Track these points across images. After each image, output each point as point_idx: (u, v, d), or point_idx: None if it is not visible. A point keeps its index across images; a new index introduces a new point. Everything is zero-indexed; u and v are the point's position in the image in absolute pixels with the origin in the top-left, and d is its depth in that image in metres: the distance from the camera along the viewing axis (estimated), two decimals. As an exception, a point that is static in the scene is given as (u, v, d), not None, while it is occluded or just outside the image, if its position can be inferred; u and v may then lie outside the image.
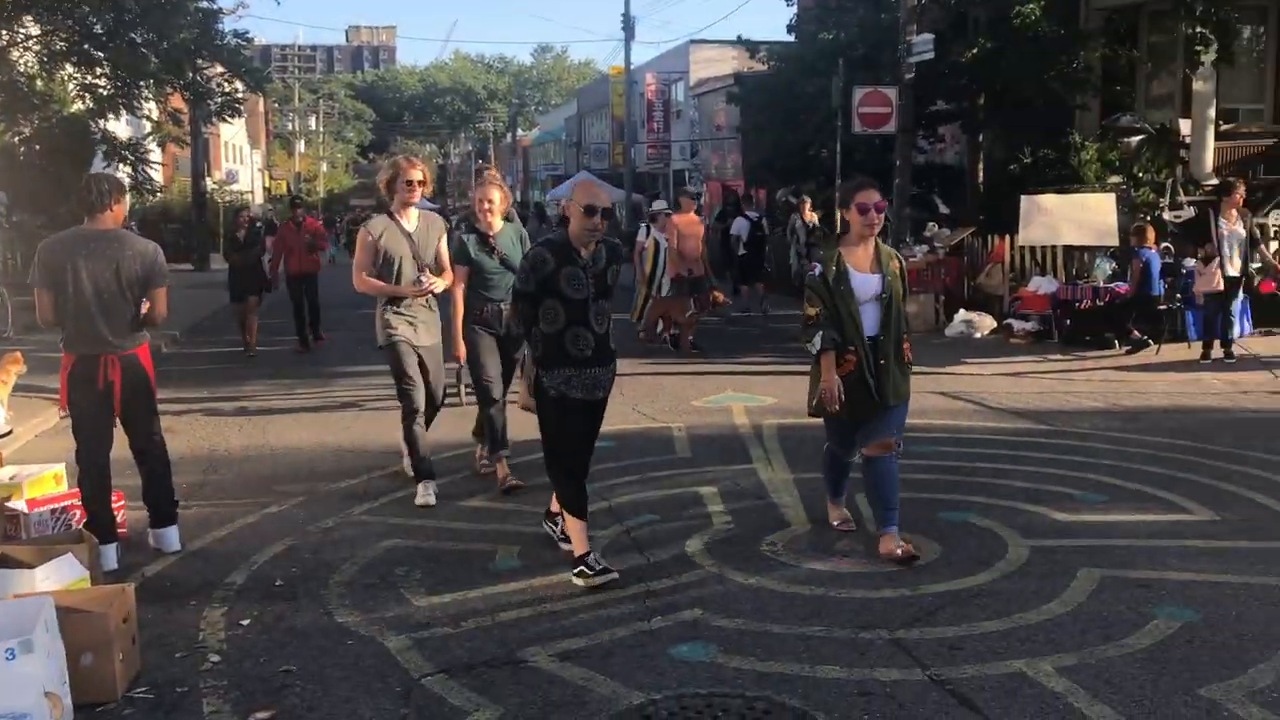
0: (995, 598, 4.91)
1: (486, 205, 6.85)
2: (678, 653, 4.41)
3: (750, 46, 24.31)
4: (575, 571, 5.21)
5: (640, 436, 8.56)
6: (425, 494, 6.64)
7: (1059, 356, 12.49)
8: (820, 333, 5.36)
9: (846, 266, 5.43)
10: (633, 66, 37.69)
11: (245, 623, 4.84)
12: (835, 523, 5.98)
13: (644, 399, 10.11)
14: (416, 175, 6.61)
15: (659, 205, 14.38)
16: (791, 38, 21.98)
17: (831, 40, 19.48)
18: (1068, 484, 6.84)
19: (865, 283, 5.44)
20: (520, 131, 75.26)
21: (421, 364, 6.69)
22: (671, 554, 5.63)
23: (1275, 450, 7.65)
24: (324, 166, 76.57)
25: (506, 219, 7.01)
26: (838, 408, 5.38)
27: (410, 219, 6.68)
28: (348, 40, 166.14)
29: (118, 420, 5.73)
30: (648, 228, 14.34)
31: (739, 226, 17.45)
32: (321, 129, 76.67)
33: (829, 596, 5.01)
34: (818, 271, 5.46)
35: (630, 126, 36.89)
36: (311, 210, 39.67)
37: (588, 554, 5.23)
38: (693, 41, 39.73)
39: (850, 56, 18.46)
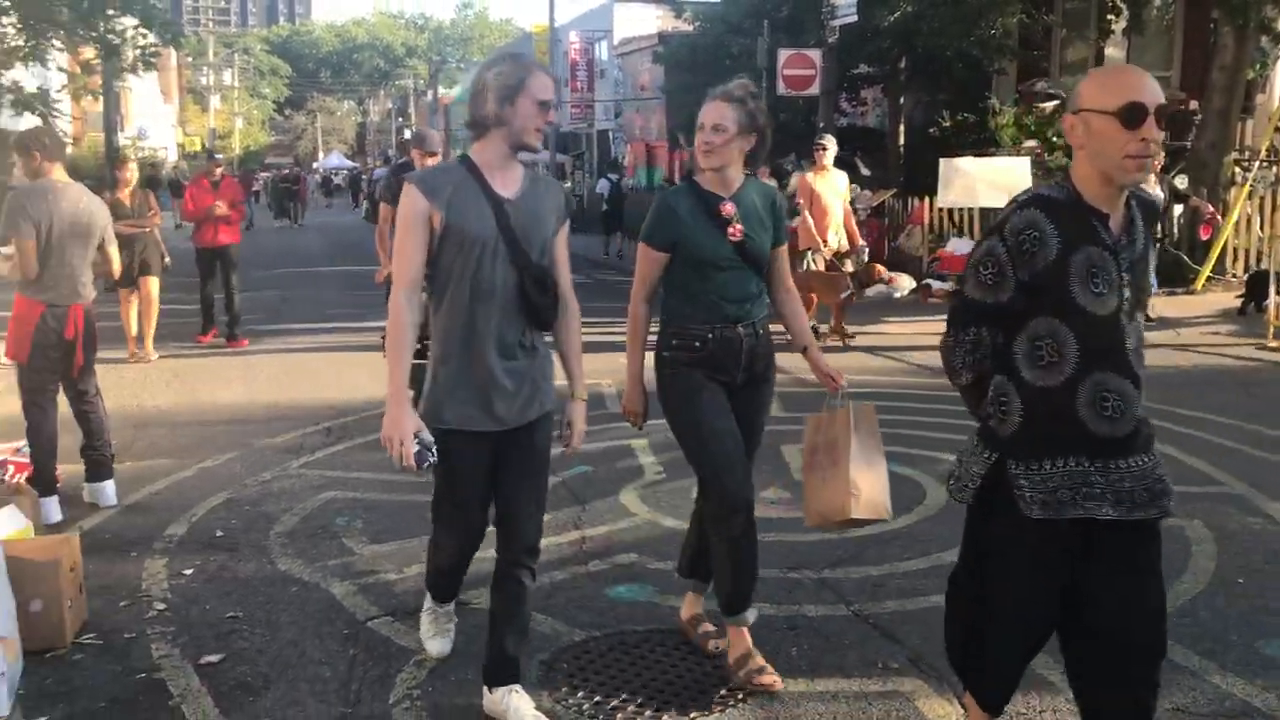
0: (916, 540, 5.16)
1: (718, 138, 3.61)
2: (616, 594, 4.59)
3: (675, 6, 24.33)
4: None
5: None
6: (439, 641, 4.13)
7: (975, 315, 12.87)
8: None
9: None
10: (556, 25, 37.42)
11: (188, 572, 4.91)
12: None
13: (574, 356, 10.22)
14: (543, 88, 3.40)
15: None
16: (717, -2, 22.12)
17: (756, 0, 19.63)
18: (983, 434, 7.15)
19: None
20: (441, 90, 74.22)
21: (498, 468, 3.49)
22: (606, 502, 5.80)
23: None
24: (239, 123, 74.85)
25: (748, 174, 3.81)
26: None
27: (508, 179, 3.40)
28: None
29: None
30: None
31: (602, 186, 23.28)
32: (236, 84, 74.90)
33: (760, 540, 5.22)
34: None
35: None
36: (231, 167, 37.63)
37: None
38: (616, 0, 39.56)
39: (774, 18, 18.62)
